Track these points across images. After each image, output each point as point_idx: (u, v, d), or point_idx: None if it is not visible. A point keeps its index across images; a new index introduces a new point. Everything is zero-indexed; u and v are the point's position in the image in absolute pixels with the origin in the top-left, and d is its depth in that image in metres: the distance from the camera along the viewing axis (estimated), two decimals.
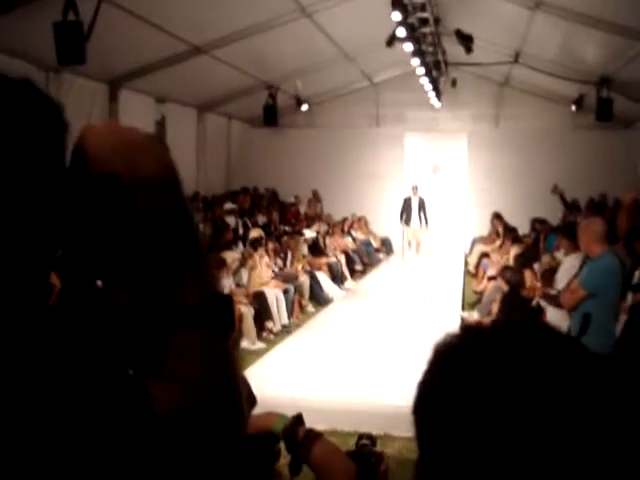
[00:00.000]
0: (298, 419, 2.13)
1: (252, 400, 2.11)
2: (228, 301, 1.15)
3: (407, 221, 19.93)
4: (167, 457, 1.03)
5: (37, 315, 1.08)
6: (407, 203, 19.96)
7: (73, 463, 0.95)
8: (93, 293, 1.11)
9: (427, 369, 1.03)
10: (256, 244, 12.79)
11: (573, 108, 18.17)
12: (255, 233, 14.19)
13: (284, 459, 2.15)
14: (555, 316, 8.39)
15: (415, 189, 19.95)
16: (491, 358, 0.96)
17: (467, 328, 1.08)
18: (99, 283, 1.12)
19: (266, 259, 12.70)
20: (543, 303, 9.41)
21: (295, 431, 2.09)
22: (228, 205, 16.41)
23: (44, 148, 1.07)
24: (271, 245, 13.64)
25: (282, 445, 2.14)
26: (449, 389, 0.97)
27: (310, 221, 18.49)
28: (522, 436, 0.90)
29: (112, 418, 0.97)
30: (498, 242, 16.71)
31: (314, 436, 2.10)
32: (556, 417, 0.91)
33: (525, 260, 11.60)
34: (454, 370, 0.98)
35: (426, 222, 19.95)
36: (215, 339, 1.11)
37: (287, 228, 17.22)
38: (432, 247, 19.98)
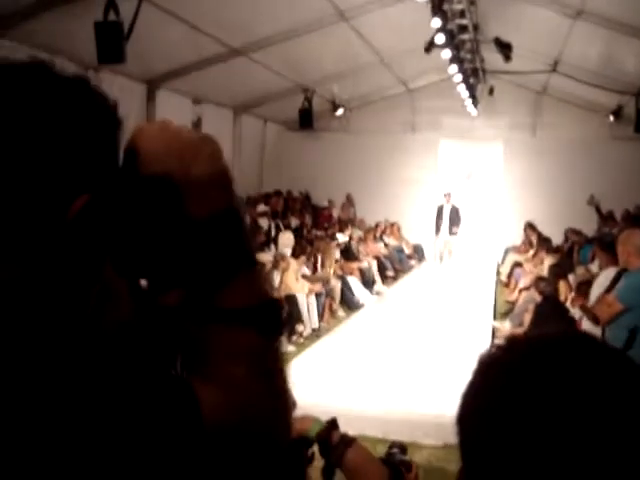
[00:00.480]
0: (333, 423, 2.12)
1: (293, 403, 2.10)
2: (277, 304, 1.14)
3: (437, 230, 19.72)
4: (212, 459, 1.03)
5: (83, 315, 1.08)
6: (440, 211, 19.72)
7: (125, 463, 0.94)
8: (138, 293, 1.11)
9: (472, 380, 1.02)
10: (297, 253, 12.84)
11: (611, 118, 17.99)
12: (286, 236, 14.21)
13: (318, 463, 2.14)
14: (590, 329, 8.29)
15: (448, 196, 19.71)
16: (538, 371, 0.95)
17: (513, 339, 1.07)
18: (144, 283, 1.12)
19: (298, 262, 12.70)
20: (578, 315, 9.30)
21: (329, 435, 2.08)
22: (261, 207, 16.47)
23: (98, 145, 1.07)
24: (303, 248, 13.65)
25: (316, 449, 2.13)
26: (495, 401, 0.96)
27: (343, 225, 18.48)
28: (567, 451, 0.89)
29: (158, 420, 0.97)
30: (531, 252, 16.58)
31: (348, 441, 2.09)
32: (605, 432, 0.89)
33: (559, 271, 11.48)
34: (499, 382, 0.97)
35: (457, 230, 19.67)
36: (263, 341, 1.10)
37: (319, 232, 17.21)
38: (465, 257, 19.82)
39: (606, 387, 0.91)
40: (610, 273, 7.16)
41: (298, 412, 2.18)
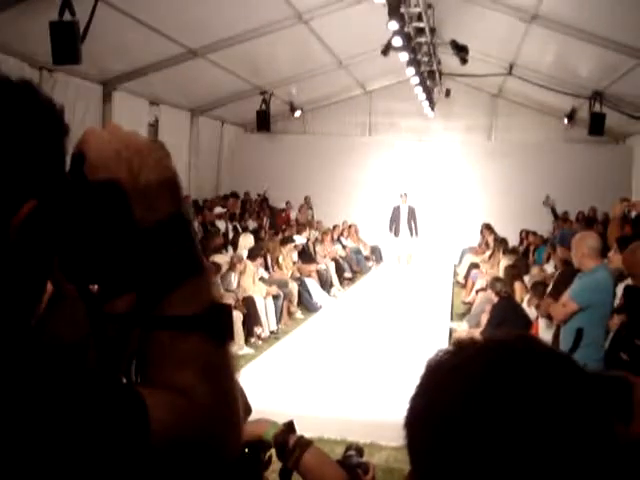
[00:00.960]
0: (289, 426, 2.12)
1: (247, 409, 2.10)
2: (226, 309, 1.14)
3: (396, 232, 19.38)
4: (162, 466, 1.02)
5: (29, 321, 1.07)
6: (396, 212, 19.41)
7: (69, 475, 0.93)
8: (87, 298, 1.10)
9: (419, 384, 1.03)
10: (254, 255, 12.78)
11: (566, 121, 18.24)
12: (246, 238, 14.16)
13: (275, 466, 2.14)
14: (545, 328, 8.41)
15: (404, 196, 19.40)
16: (483, 376, 0.95)
17: (459, 344, 1.07)
18: (94, 288, 1.11)
19: (254, 264, 12.66)
20: (534, 314, 9.42)
21: (286, 439, 2.08)
22: (218, 209, 16.40)
23: (44, 151, 1.06)
24: (259, 251, 13.59)
25: (273, 452, 2.12)
26: (440, 406, 0.96)
27: (300, 227, 18.47)
28: (512, 452, 0.89)
29: (104, 430, 0.95)
30: (488, 253, 16.73)
31: (305, 444, 2.09)
32: (544, 435, 0.90)
33: (515, 272, 11.61)
34: (445, 387, 0.97)
35: (416, 231, 19.38)
36: (211, 347, 1.10)
37: (276, 235, 17.17)
38: (422, 258, 19.70)
39: (546, 391, 0.92)
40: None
41: (256, 415, 2.18)
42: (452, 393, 0.96)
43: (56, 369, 0.98)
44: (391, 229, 19.42)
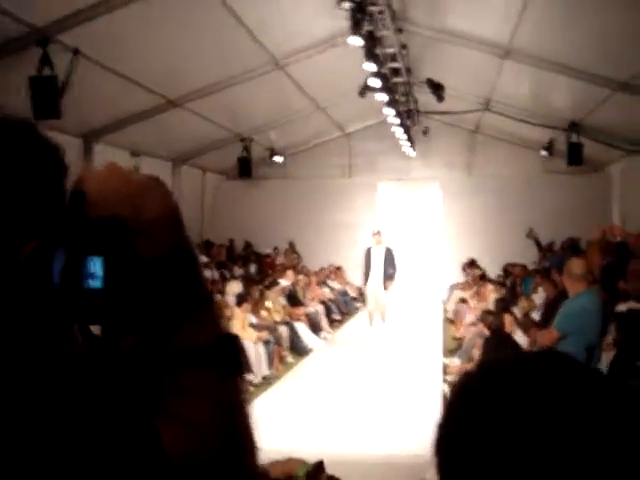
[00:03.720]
0: (319, 466, 2.11)
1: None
2: (235, 340, 1.13)
3: (366, 278, 15.52)
4: None
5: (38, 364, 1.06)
6: (368, 255, 15.52)
7: None
8: (90, 339, 1.08)
9: (448, 409, 1.02)
10: (242, 300, 12.73)
11: (544, 153, 18.40)
12: (234, 284, 14.11)
13: None
14: None
15: (378, 235, 15.76)
16: (513, 394, 0.95)
17: (484, 365, 1.07)
18: (95, 329, 1.09)
19: (242, 310, 12.59)
20: (526, 346, 9.40)
21: (318, 477, 2.06)
22: (202, 258, 16.34)
23: (46, 190, 1.06)
24: (247, 297, 13.54)
25: None
26: (472, 428, 0.95)
27: (286, 271, 18.43)
28: (550, 469, 0.89)
29: (123, 462, 0.94)
30: (475, 288, 16.75)
31: None
32: (581, 453, 0.89)
33: (504, 305, 11.61)
34: (475, 409, 0.97)
35: (391, 277, 15.37)
36: (223, 379, 1.09)
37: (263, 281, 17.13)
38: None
39: (579, 406, 0.92)
40: None
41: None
42: (480, 414, 0.95)
43: (66, 408, 0.97)
44: (365, 275, 15.66)
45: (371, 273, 15.29)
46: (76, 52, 8.94)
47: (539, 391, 0.93)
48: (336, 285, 19.69)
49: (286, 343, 13.63)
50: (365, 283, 15.68)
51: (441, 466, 1.00)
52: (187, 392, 1.06)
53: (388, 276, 15.25)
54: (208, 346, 1.08)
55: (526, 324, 9.66)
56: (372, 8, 9.53)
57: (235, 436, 1.08)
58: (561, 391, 0.93)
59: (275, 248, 20.36)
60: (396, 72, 12.48)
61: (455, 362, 11.80)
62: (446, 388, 10.03)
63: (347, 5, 9.11)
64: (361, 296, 20.41)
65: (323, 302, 17.19)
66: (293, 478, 2.06)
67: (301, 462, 2.11)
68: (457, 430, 0.98)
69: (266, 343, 12.31)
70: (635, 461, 0.90)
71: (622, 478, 0.89)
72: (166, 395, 1.07)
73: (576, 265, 6.47)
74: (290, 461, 2.11)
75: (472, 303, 15.27)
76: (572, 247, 15.41)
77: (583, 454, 0.89)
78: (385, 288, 15.30)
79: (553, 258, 13.69)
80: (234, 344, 1.12)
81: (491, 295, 14.08)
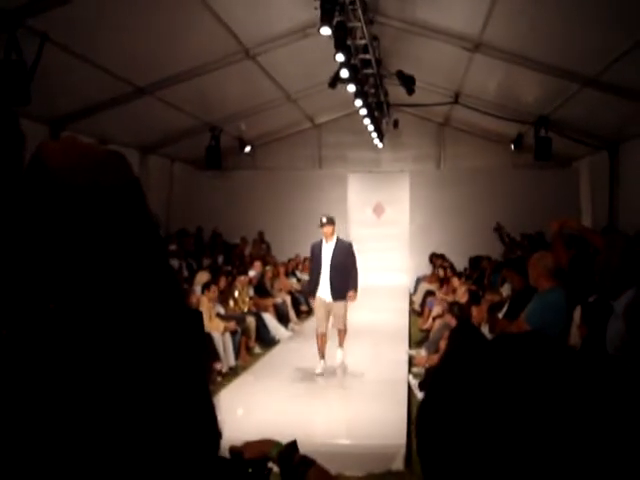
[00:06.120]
0: (293, 445, 2.13)
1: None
2: (198, 316, 1.13)
3: (312, 289, 11.42)
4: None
5: None
6: (316, 253, 11.58)
7: None
8: (46, 314, 1.07)
9: (430, 389, 1.03)
10: (206, 288, 12.67)
11: (512, 147, 18.54)
12: (203, 275, 14.06)
13: None
14: None
15: (327, 226, 11.45)
16: (498, 370, 0.96)
17: (468, 347, 1.08)
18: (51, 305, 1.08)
19: (209, 299, 12.55)
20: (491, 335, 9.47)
21: (290, 457, 2.09)
22: (171, 247, 16.27)
23: (1, 157, 1.04)
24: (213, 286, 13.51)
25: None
26: (449, 401, 0.96)
27: (254, 262, 18.41)
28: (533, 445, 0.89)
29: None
30: (442, 280, 16.85)
31: (309, 462, 2.09)
32: (555, 425, 0.89)
33: (472, 297, 11.69)
34: (451, 385, 0.98)
35: (354, 285, 11.20)
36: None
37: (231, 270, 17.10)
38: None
39: (552, 379, 0.92)
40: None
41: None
42: (455, 389, 0.97)
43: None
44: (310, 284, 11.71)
45: (319, 279, 11.26)
46: (45, 37, 8.82)
47: (525, 365, 0.94)
48: (304, 276, 19.68)
49: (253, 334, 13.62)
50: (312, 293, 11.68)
51: (419, 445, 1.01)
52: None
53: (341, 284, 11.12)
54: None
55: (493, 316, 9.74)
56: None
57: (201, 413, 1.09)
58: (548, 363, 0.95)
59: (243, 238, 20.29)
60: (367, 64, 12.48)
61: (422, 353, 11.87)
62: (412, 379, 10.10)
63: None
64: None
65: (291, 293, 17.19)
66: (266, 457, 2.10)
67: (274, 442, 2.14)
68: (438, 408, 0.99)
69: (233, 333, 12.30)
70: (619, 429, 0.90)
71: (605, 450, 0.89)
72: None
73: (546, 260, 6.51)
74: (264, 441, 2.15)
75: (439, 295, 15.36)
76: (534, 240, 15.55)
77: (568, 426, 0.89)
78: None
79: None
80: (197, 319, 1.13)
81: (461, 288, 14.17)
